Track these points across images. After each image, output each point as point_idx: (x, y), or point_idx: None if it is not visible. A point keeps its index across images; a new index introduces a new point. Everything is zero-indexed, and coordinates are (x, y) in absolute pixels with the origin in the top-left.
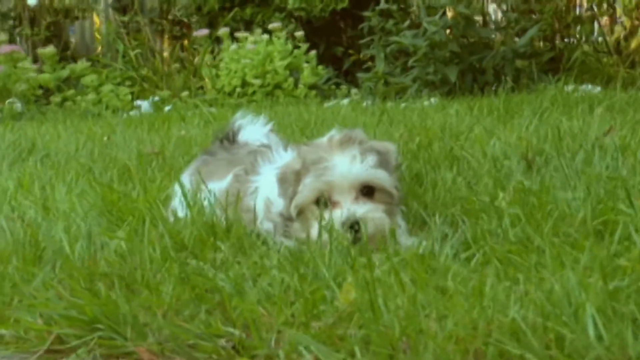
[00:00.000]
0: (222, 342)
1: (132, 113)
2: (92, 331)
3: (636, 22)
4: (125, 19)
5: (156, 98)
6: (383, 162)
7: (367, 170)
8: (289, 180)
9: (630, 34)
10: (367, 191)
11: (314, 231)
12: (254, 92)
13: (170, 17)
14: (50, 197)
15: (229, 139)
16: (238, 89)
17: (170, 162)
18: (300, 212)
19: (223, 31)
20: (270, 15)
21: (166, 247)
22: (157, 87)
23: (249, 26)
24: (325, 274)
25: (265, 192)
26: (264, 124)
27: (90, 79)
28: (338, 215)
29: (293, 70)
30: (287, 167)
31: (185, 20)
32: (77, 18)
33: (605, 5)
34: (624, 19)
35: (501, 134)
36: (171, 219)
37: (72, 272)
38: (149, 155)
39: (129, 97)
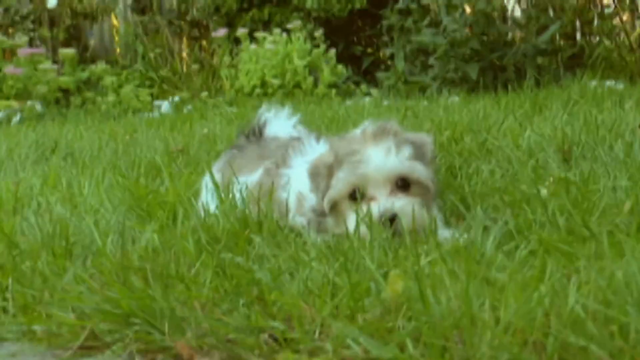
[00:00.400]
0: (264, 336)
1: (152, 114)
2: (128, 326)
3: None
4: (144, 19)
5: (176, 98)
6: (419, 154)
7: (402, 163)
8: (321, 175)
9: None
10: (403, 184)
11: (351, 224)
12: (273, 92)
13: (188, 18)
14: (78, 193)
15: (255, 133)
16: (257, 89)
17: (196, 159)
18: (334, 206)
19: (241, 31)
20: (289, 16)
21: (199, 241)
22: (176, 88)
23: (267, 26)
24: (370, 265)
25: (297, 186)
26: (289, 116)
27: (110, 80)
28: (375, 209)
29: (312, 69)
30: (319, 161)
31: (204, 21)
32: (95, 20)
33: (627, 1)
34: None
35: (534, 126)
36: (202, 213)
37: (104, 266)
38: (173, 153)
39: (149, 98)
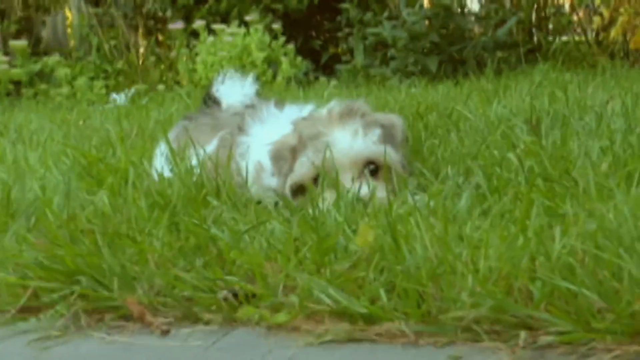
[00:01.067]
0: (223, 292)
1: (107, 106)
2: (73, 284)
3: (615, 13)
4: (99, 11)
5: (132, 91)
6: (388, 136)
7: (370, 146)
8: (283, 157)
9: (610, 24)
10: (371, 169)
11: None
12: None
13: (144, 10)
14: (24, 166)
15: (208, 101)
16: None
17: (151, 137)
18: (297, 191)
19: (199, 24)
20: (247, 9)
21: (153, 205)
22: (132, 81)
23: (224, 20)
24: (338, 218)
25: (257, 155)
26: (249, 85)
27: (63, 72)
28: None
29: (271, 62)
30: (282, 143)
31: (160, 14)
32: (48, 12)
33: None
34: (602, 9)
35: (500, 101)
36: (155, 178)
37: (48, 225)
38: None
39: (104, 90)
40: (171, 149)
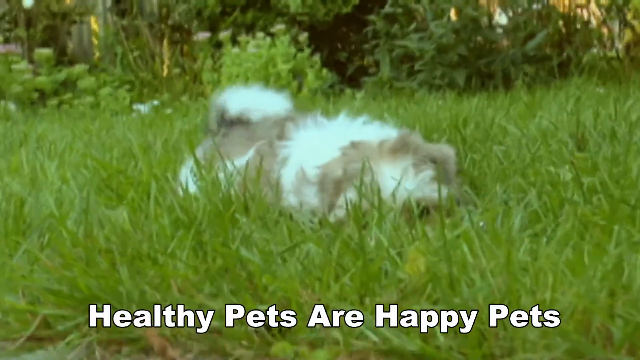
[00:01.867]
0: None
1: (131, 116)
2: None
3: None
4: (124, 22)
5: (156, 102)
6: (441, 173)
7: (421, 189)
8: (326, 190)
9: None
10: (421, 210)
11: None
12: None
13: (169, 22)
14: (42, 177)
15: (220, 118)
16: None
17: (175, 149)
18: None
19: (224, 34)
20: (272, 20)
21: (177, 221)
22: (156, 91)
23: (250, 31)
24: (382, 240)
25: (299, 161)
26: (284, 100)
27: (88, 82)
28: None
29: (297, 74)
30: (327, 172)
31: (185, 25)
32: (74, 22)
33: (615, 9)
34: (635, 23)
35: (543, 113)
36: (180, 193)
37: (63, 244)
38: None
39: (128, 100)
40: (197, 161)
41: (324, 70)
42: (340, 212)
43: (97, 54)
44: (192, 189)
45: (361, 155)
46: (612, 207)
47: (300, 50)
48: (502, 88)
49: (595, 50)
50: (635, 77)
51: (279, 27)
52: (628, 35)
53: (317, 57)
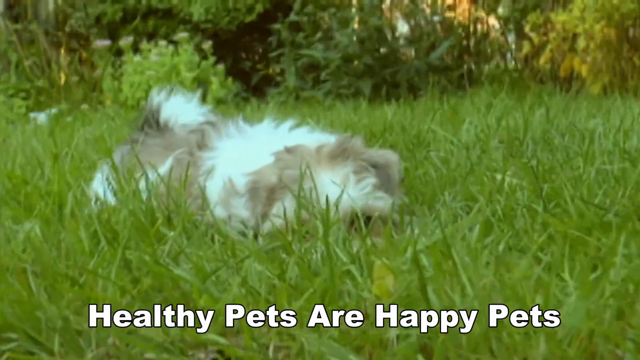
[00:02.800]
0: (200, 355)
1: (28, 126)
2: (1, 343)
3: (544, 38)
4: (18, 27)
5: (54, 110)
6: (384, 179)
7: (363, 197)
8: (259, 197)
9: (539, 49)
10: (363, 220)
11: None
12: None
13: (66, 28)
14: None
15: (151, 121)
16: (143, 102)
17: (82, 157)
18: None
19: (125, 42)
20: (175, 28)
21: (95, 235)
22: (54, 101)
23: (151, 39)
24: (340, 255)
25: (226, 173)
26: (187, 99)
27: None
28: None
29: (201, 83)
30: (259, 179)
31: (83, 32)
32: None
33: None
34: (532, 35)
35: (472, 119)
36: (94, 205)
37: None
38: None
39: (24, 109)
40: (115, 169)
41: (229, 79)
42: (277, 222)
43: None
44: (109, 199)
45: (298, 160)
46: (580, 215)
47: (204, 58)
48: (409, 97)
49: (495, 61)
50: (535, 88)
51: (182, 35)
52: (526, 47)
53: (221, 66)
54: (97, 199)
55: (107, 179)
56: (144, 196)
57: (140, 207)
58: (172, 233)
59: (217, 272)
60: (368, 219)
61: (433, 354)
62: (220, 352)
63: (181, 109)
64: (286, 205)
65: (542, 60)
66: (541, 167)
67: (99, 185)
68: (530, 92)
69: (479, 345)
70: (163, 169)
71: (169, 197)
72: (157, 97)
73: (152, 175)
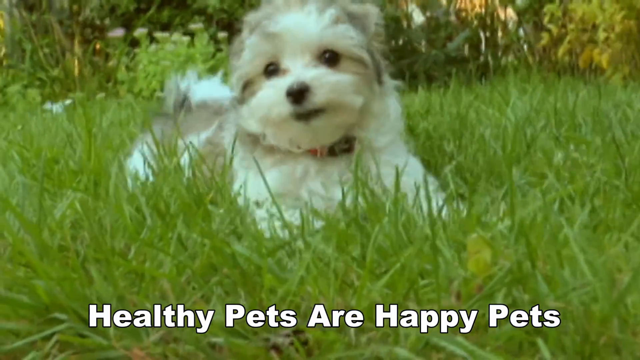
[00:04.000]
0: (273, 337)
1: (43, 116)
2: (47, 324)
3: (563, 30)
4: (33, 17)
5: (69, 101)
6: (356, 23)
7: (326, 28)
8: (236, 52)
9: (558, 41)
10: (330, 57)
11: (253, 101)
12: None
13: (80, 18)
14: None
15: (182, 102)
16: (158, 93)
17: (111, 140)
18: (247, 88)
19: (140, 32)
20: (189, 19)
21: (139, 211)
22: (69, 90)
23: (166, 29)
24: (421, 225)
25: (234, 123)
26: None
27: None
28: (283, 80)
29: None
30: (237, 40)
31: (98, 22)
32: None
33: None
34: (551, 26)
35: (517, 100)
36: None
37: (12, 243)
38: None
39: (39, 99)
40: (156, 141)
41: None
42: (243, 64)
43: (3, 51)
44: (149, 175)
45: (265, 7)
46: None
47: (219, 49)
48: (428, 87)
49: (510, 53)
50: (555, 79)
51: (197, 25)
52: (545, 38)
53: None
54: (136, 175)
55: (142, 154)
56: (187, 171)
57: (183, 182)
58: (221, 210)
59: (282, 248)
60: (335, 55)
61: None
62: (296, 334)
63: (212, 89)
64: (252, 41)
65: (560, 51)
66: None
67: (138, 161)
68: (552, 82)
69: (607, 321)
70: (207, 133)
71: (200, 166)
72: (181, 82)
73: (193, 151)
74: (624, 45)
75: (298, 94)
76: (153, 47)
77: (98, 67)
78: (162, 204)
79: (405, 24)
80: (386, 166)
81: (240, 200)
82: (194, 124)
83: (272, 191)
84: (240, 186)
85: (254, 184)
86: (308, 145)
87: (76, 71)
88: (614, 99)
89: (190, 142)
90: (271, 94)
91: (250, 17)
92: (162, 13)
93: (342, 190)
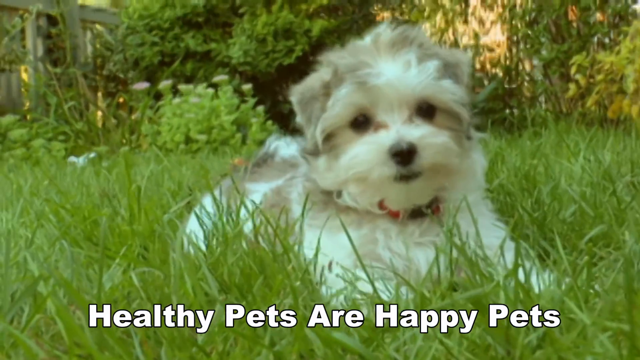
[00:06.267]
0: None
1: (68, 169)
2: None
3: (591, 80)
4: (58, 71)
5: (93, 154)
6: (450, 73)
7: (426, 81)
8: (315, 97)
9: (585, 91)
10: (426, 110)
11: (345, 159)
12: (198, 149)
13: (104, 72)
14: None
15: (266, 160)
16: (182, 146)
17: (149, 196)
18: (330, 141)
19: (165, 84)
20: (213, 71)
21: (204, 281)
22: (92, 143)
23: (189, 82)
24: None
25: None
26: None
27: (18, 133)
28: (383, 137)
29: (240, 125)
30: (313, 80)
31: (121, 75)
32: (2, 70)
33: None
34: (578, 77)
35: (586, 154)
36: (190, 248)
37: (67, 327)
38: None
39: (63, 152)
40: (217, 205)
41: (269, 122)
42: (330, 116)
43: (27, 104)
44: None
45: (354, 52)
46: None
47: (244, 101)
48: None
49: (538, 106)
50: (586, 132)
51: (222, 77)
52: (573, 89)
53: (261, 108)
54: (191, 241)
55: (202, 219)
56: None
57: (244, 250)
58: (297, 283)
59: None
60: (432, 108)
61: None
62: None
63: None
64: (344, 91)
65: (590, 102)
66: None
67: (195, 225)
68: (595, 134)
69: None
70: (278, 182)
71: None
72: (276, 140)
73: (250, 204)
74: None
75: (406, 155)
76: (177, 99)
77: (122, 120)
78: (227, 274)
79: None
80: (472, 227)
81: (311, 267)
82: (267, 172)
83: (350, 253)
84: (315, 252)
85: (328, 245)
86: (397, 207)
87: (100, 124)
88: None
89: (252, 201)
90: (371, 152)
91: (338, 61)
92: (185, 66)
93: (437, 256)
